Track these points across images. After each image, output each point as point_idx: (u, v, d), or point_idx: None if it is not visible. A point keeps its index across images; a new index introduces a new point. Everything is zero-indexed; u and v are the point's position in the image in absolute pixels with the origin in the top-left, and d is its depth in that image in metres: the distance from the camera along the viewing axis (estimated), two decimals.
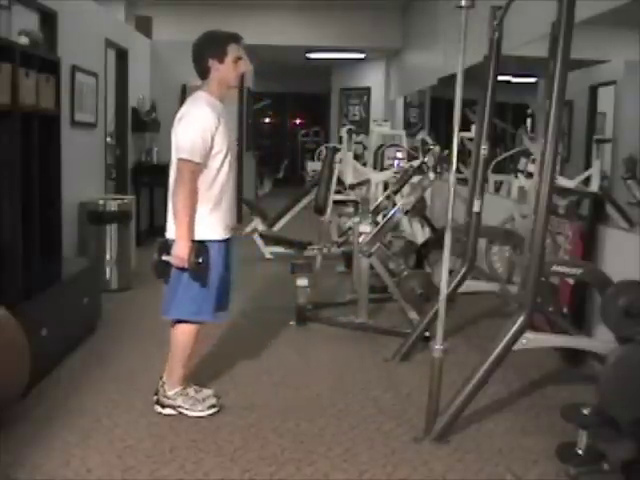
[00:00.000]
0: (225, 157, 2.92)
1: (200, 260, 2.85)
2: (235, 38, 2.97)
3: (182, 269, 2.86)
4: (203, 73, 2.95)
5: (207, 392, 3.13)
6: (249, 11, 9.86)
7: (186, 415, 3.02)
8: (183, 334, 3.05)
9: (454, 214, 2.89)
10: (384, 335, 4.22)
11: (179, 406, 3.03)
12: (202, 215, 2.88)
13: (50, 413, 3.03)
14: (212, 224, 2.92)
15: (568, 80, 2.69)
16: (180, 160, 2.82)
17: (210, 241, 2.91)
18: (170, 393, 3.04)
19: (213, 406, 3.07)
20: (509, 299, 4.29)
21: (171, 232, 2.90)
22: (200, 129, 2.82)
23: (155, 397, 3.08)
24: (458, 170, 2.99)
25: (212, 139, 2.84)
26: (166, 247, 2.91)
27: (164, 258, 2.89)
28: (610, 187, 5.57)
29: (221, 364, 3.67)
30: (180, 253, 2.81)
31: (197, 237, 2.86)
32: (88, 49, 6.08)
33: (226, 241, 3.00)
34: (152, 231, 8.03)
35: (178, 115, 2.93)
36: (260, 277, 6.03)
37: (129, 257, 5.73)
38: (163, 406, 3.05)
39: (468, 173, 4.37)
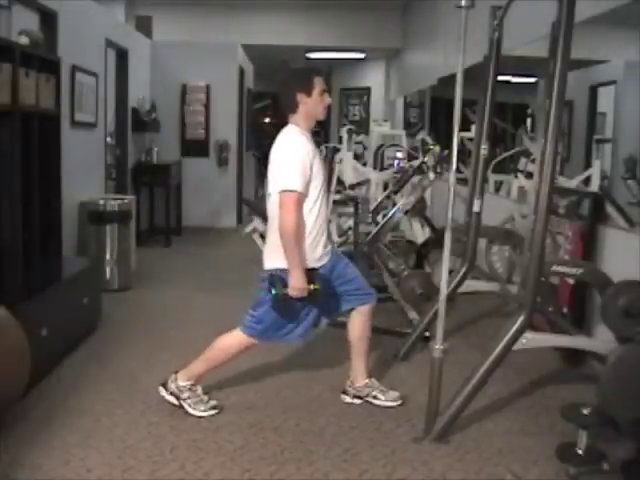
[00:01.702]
0: (321, 185, 2.98)
1: (314, 287, 2.85)
2: (318, 72, 3.04)
3: (296, 298, 2.88)
4: (291, 107, 2.97)
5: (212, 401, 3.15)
6: (249, 11, 9.87)
7: (187, 412, 3.03)
8: (239, 344, 3.08)
9: (454, 214, 2.89)
10: (384, 335, 4.21)
11: (183, 399, 3.05)
12: (305, 242, 2.91)
13: (50, 413, 3.03)
14: (313, 251, 2.95)
15: (568, 80, 2.69)
16: (284, 192, 2.83)
17: (316, 268, 2.95)
18: (181, 383, 3.07)
19: (214, 407, 3.08)
20: (509, 299, 4.29)
21: (272, 262, 2.93)
22: (300, 159, 2.85)
23: (162, 384, 3.11)
24: (458, 170, 2.99)
25: (311, 168, 2.88)
26: (278, 280, 2.87)
27: (284, 291, 2.85)
28: (610, 187, 5.57)
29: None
30: (297, 284, 2.82)
31: (309, 265, 2.90)
32: (88, 49, 6.08)
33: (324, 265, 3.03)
34: (152, 231, 8.05)
35: (275, 149, 2.95)
36: (258, 278, 6.02)
37: (129, 257, 5.73)
38: (168, 390, 3.08)
39: (468, 173, 4.37)
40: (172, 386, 3.08)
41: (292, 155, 2.86)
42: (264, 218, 6.97)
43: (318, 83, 2.97)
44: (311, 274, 2.88)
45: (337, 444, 2.81)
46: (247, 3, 9.71)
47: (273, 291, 2.86)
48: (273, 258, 2.92)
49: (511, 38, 3.91)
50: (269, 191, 2.98)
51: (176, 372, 3.12)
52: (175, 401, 3.07)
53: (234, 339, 3.08)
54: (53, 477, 2.50)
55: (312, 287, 2.85)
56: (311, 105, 2.96)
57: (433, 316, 3.67)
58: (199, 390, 3.10)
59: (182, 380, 3.08)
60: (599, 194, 4.60)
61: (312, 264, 2.94)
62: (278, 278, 2.88)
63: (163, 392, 3.10)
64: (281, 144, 2.95)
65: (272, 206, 2.94)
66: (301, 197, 2.85)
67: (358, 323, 3.17)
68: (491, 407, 3.19)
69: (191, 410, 3.04)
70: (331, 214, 6.49)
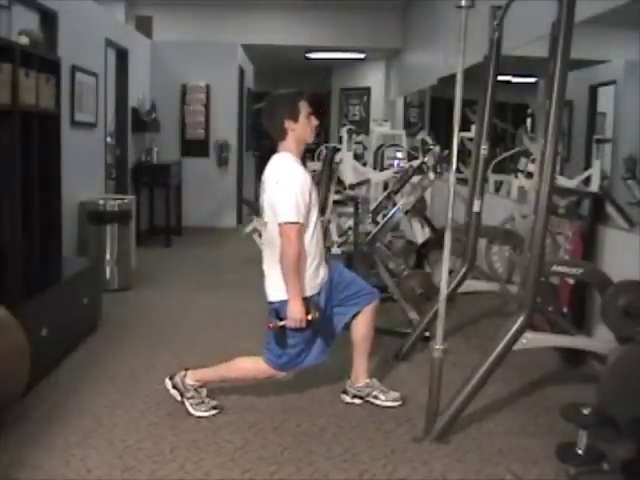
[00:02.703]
0: (317, 211, 3.00)
1: (312, 316, 2.86)
2: (302, 94, 3.04)
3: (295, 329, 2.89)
4: (280, 135, 2.98)
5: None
6: (249, 11, 9.86)
7: (187, 411, 3.04)
8: (258, 372, 3.09)
9: (454, 214, 2.89)
10: (384, 335, 4.21)
11: (187, 398, 3.06)
12: (307, 271, 2.93)
13: (50, 413, 3.04)
14: (315, 278, 2.97)
15: (568, 80, 2.69)
16: (286, 224, 2.83)
17: (315, 294, 2.96)
18: (189, 382, 3.08)
19: (215, 407, 3.08)
20: (509, 299, 4.29)
21: (274, 295, 2.95)
22: (299, 190, 2.85)
23: (170, 377, 3.12)
24: (458, 170, 2.99)
25: (309, 196, 2.89)
26: (277, 312, 2.91)
27: (281, 324, 2.88)
28: (610, 187, 5.57)
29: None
30: (296, 315, 2.84)
31: (306, 294, 2.90)
32: (88, 49, 6.08)
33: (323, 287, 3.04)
34: (152, 231, 8.05)
35: (272, 178, 2.93)
36: (260, 277, 6.02)
37: (129, 257, 5.73)
38: (173, 385, 3.09)
39: (468, 173, 4.37)
40: (179, 382, 3.09)
41: (292, 186, 2.85)
42: None
43: (303, 107, 2.97)
44: (308, 303, 2.89)
45: (337, 444, 2.81)
46: (247, 3, 9.71)
47: (270, 325, 2.89)
48: (278, 290, 2.93)
49: (511, 38, 3.91)
50: (265, 219, 2.99)
51: (186, 369, 3.12)
52: (178, 397, 3.08)
53: (255, 366, 3.08)
54: (53, 477, 2.50)
55: (309, 317, 2.86)
56: (299, 130, 2.96)
57: (433, 316, 3.67)
58: (204, 392, 3.10)
59: (191, 379, 3.09)
60: (599, 194, 4.59)
61: (314, 290, 2.96)
62: (274, 310, 2.92)
63: (168, 385, 3.11)
64: (279, 174, 2.92)
65: (269, 234, 2.95)
66: (302, 228, 2.86)
67: (362, 324, 3.17)
68: (491, 407, 3.19)
69: (192, 410, 3.05)
70: (331, 214, 6.50)
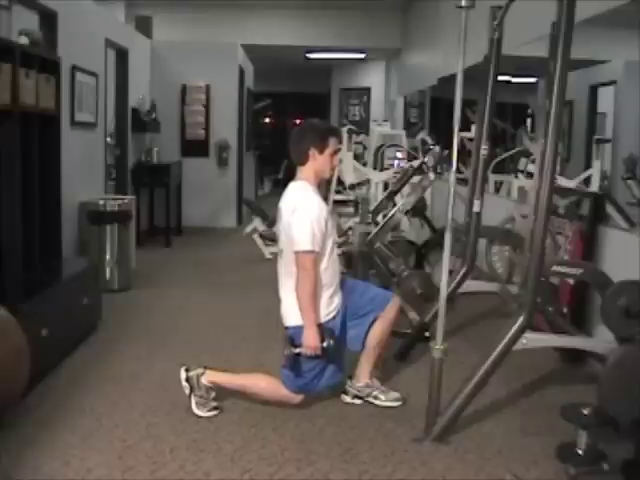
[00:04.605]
0: (333, 241, 3.04)
1: (327, 344, 2.89)
2: (335, 132, 3.12)
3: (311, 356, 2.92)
4: (301, 159, 3.02)
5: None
6: (249, 11, 9.87)
7: (189, 408, 3.04)
8: (276, 394, 3.08)
9: (454, 214, 2.89)
10: None
11: (195, 395, 3.06)
12: (322, 299, 2.96)
13: (50, 413, 3.03)
14: (329, 305, 3.00)
15: (568, 80, 2.69)
16: (302, 252, 2.87)
17: (330, 320, 2.99)
18: (204, 382, 3.08)
19: (215, 408, 3.08)
20: (509, 299, 4.29)
21: (290, 320, 2.98)
22: (316, 219, 2.88)
23: (187, 368, 3.12)
24: (458, 170, 2.99)
25: (326, 226, 2.92)
26: (292, 338, 2.94)
27: (296, 351, 2.91)
28: (610, 187, 5.57)
29: (222, 364, 3.65)
30: (312, 342, 2.87)
31: (321, 320, 2.93)
32: (88, 49, 6.08)
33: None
34: (152, 231, 8.05)
35: (289, 207, 2.97)
36: (260, 277, 6.02)
37: (129, 257, 5.73)
38: (187, 378, 3.09)
39: (468, 173, 4.37)
40: (194, 378, 3.08)
41: (308, 215, 2.88)
42: (264, 218, 7.03)
43: (332, 144, 3.02)
44: (323, 330, 2.91)
45: (337, 444, 2.81)
46: (247, 3, 9.71)
47: (285, 351, 2.93)
48: (294, 315, 2.95)
49: (511, 38, 3.91)
50: (280, 247, 3.04)
51: (205, 367, 3.12)
52: (187, 390, 3.07)
53: (274, 388, 3.08)
54: (53, 477, 2.50)
55: (324, 344, 2.89)
56: (320, 162, 3.01)
57: (433, 316, 3.67)
58: (212, 395, 3.10)
59: (206, 379, 3.08)
60: (599, 194, 4.60)
61: (329, 317, 2.99)
62: (289, 336, 2.96)
63: (182, 375, 3.09)
64: (296, 202, 2.96)
65: (285, 262, 2.99)
66: (318, 257, 2.90)
67: (379, 329, 3.17)
68: (491, 407, 3.19)
69: (195, 407, 3.04)
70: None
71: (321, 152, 2.99)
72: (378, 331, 3.16)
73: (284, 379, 3.03)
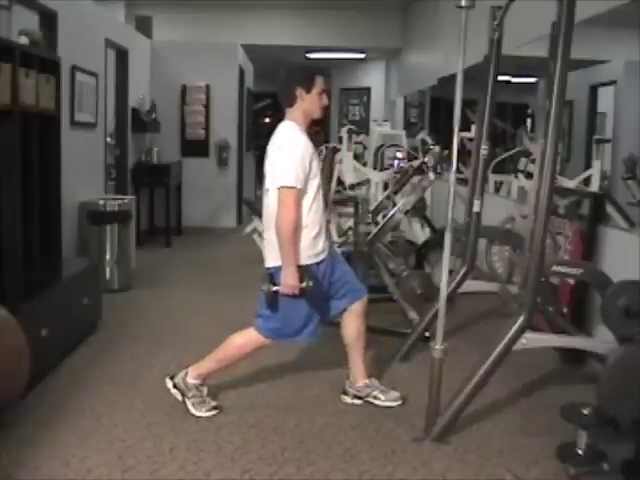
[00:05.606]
0: (319, 182, 2.99)
1: (306, 284, 2.86)
2: (322, 72, 3.06)
3: (288, 295, 2.89)
4: (289, 101, 2.99)
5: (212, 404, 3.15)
6: (249, 11, 9.86)
7: (188, 410, 3.04)
8: (252, 343, 3.09)
9: (454, 214, 2.89)
10: (384, 335, 4.21)
11: (188, 397, 3.06)
12: (304, 240, 2.92)
13: (50, 413, 3.04)
14: (313, 247, 2.96)
15: (568, 80, 2.69)
16: (284, 188, 2.84)
17: (313, 264, 2.96)
18: (190, 381, 3.08)
19: (215, 408, 3.08)
20: (509, 299, 4.29)
21: (271, 261, 2.95)
22: (300, 156, 2.85)
23: (171, 376, 3.13)
24: (458, 170, 2.99)
25: (310, 164, 2.89)
26: (272, 277, 2.92)
27: (274, 289, 2.89)
28: (610, 187, 5.57)
29: None
30: (290, 281, 2.84)
31: (302, 262, 2.90)
32: (88, 49, 6.08)
33: (323, 261, 3.03)
34: (152, 231, 8.05)
35: (274, 144, 2.95)
36: (260, 277, 6.02)
37: (129, 257, 5.73)
38: (174, 384, 3.09)
39: (468, 173, 4.37)
40: (180, 381, 3.08)
41: (292, 151, 2.86)
42: None
43: (319, 82, 2.98)
44: (303, 271, 2.88)
45: (337, 444, 2.81)
46: (247, 3, 9.70)
47: (263, 287, 2.89)
48: (275, 256, 2.92)
49: (511, 38, 3.91)
50: (266, 187, 2.98)
51: (187, 366, 3.12)
52: (179, 396, 3.08)
53: (247, 338, 3.09)
54: (53, 477, 2.50)
55: (303, 285, 2.85)
56: (308, 102, 2.97)
57: (433, 316, 3.67)
58: (205, 391, 3.10)
59: (192, 378, 3.08)
60: (599, 194, 4.59)
61: (313, 259, 2.95)
62: (268, 275, 2.92)
63: (169, 385, 3.11)
64: (281, 140, 2.94)
65: (270, 201, 2.93)
66: (300, 193, 2.85)
67: (352, 326, 3.17)
68: (491, 407, 3.19)
69: (193, 409, 3.05)
70: (331, 214, 6.50)
71: (308, 91, 2.95)
72: (353, 327, 3.16)
73: (257, 322, 3.01)
